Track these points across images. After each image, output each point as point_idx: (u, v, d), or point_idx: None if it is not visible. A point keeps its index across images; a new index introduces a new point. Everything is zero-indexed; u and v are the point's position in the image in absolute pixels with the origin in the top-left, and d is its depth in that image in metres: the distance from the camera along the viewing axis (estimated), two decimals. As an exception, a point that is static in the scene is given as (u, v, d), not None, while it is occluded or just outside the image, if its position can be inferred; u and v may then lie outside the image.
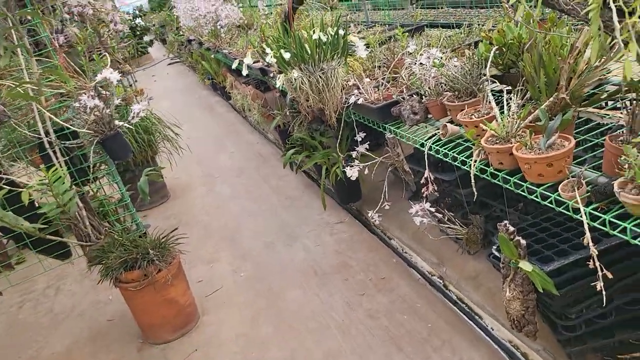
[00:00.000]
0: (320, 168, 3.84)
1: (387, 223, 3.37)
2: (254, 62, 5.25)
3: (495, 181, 1.91)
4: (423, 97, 2.54)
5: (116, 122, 2.56)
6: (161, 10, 15.39)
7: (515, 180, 1.78)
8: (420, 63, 2.75)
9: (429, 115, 2.56)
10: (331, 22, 5.17)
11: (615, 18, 1.04)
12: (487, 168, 1.93)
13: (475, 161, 1.98)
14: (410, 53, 3.11)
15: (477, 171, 1.97)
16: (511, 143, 1.79)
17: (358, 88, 2.89)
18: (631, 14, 1.03)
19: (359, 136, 2.98)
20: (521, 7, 1.49)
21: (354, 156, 2.99)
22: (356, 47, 2.89)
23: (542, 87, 1.87)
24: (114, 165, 2.85)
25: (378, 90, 2.86)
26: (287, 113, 4.53)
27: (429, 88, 2.51)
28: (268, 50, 2.76)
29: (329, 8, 5.41)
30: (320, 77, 2.88)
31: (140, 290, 2.72)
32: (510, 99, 1.96)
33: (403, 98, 2.60)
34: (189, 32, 9.17)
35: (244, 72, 2.91)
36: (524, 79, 1.97)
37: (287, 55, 2.69)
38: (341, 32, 2.81)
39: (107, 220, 2.92)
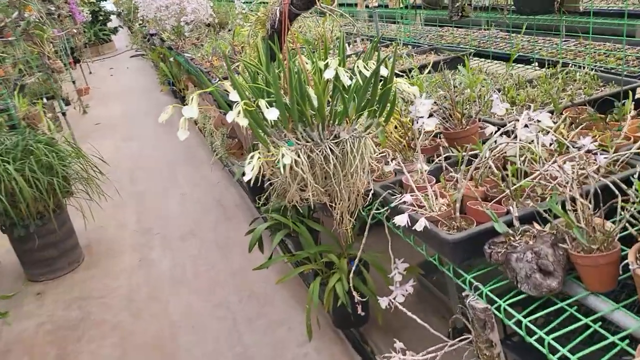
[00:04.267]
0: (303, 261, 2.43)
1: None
2: (222, 79, 3.80)
3: None
4: (564, 235, 1.16)
5: None
6: (129, -6, 13.70)
7: None
8: (519, 138, 1.44)
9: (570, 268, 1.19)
10: (329, 33, 3.76)
11: None
12: None
13: None
14: (498, 115, 1.76)
15: None
16: None
17: (403, 187, 1.49)
18: None
19: (397, 272, 1.55)
20: None
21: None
22: (411, 105, 1.50)
23: None
24: None
25: (445, 190, 1.47)
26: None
27: (577, 213, 1.14)
28: (234, 95, 1.33)
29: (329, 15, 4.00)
30: (331, 151, 1.47)
31: None
32: None
33: (512, 237, 1.21)
34: (152, 24, 7.62)
35: (182, 137, 1.48)
36: None
37: (272, 115, 1.27)
38: (383, 71, 1.40)
39: None
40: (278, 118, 1.29)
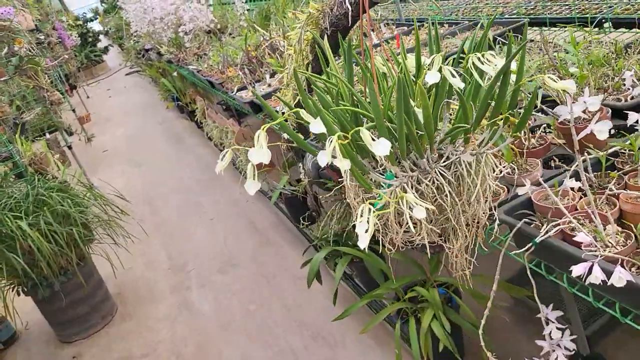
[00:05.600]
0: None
1: None
2: (237, 91, 3.42)
3: None
4: None
5: None
6: (115, 12, 13.29)
7: None
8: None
9: None
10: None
11: None
12: None
13: None
14: (614, 97, 1.38)
15: None
16: None
17: (537, 209, 1.12)
18: None
19: (554, 326, 1.18)
20: None
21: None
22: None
23: None
24: None
25: (599, 208, 1.10)
26: (308, 181, 2.73)
27: None
28: (317, 125, 0.95)
29: None
30: (443, 178, 1.10)
31: None
32: None
33: None
34: (146, 39, 7.24)
35: (251, 190, 1.12)
36: None
37: (382, 148, 0.89)
38: (513, 65, 1.02)
39: None
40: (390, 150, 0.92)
